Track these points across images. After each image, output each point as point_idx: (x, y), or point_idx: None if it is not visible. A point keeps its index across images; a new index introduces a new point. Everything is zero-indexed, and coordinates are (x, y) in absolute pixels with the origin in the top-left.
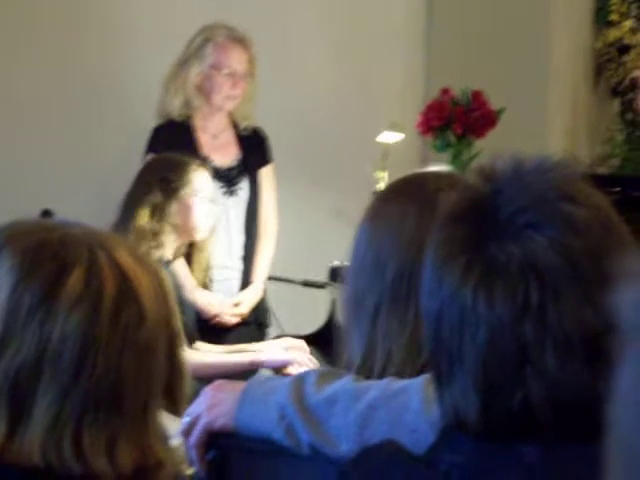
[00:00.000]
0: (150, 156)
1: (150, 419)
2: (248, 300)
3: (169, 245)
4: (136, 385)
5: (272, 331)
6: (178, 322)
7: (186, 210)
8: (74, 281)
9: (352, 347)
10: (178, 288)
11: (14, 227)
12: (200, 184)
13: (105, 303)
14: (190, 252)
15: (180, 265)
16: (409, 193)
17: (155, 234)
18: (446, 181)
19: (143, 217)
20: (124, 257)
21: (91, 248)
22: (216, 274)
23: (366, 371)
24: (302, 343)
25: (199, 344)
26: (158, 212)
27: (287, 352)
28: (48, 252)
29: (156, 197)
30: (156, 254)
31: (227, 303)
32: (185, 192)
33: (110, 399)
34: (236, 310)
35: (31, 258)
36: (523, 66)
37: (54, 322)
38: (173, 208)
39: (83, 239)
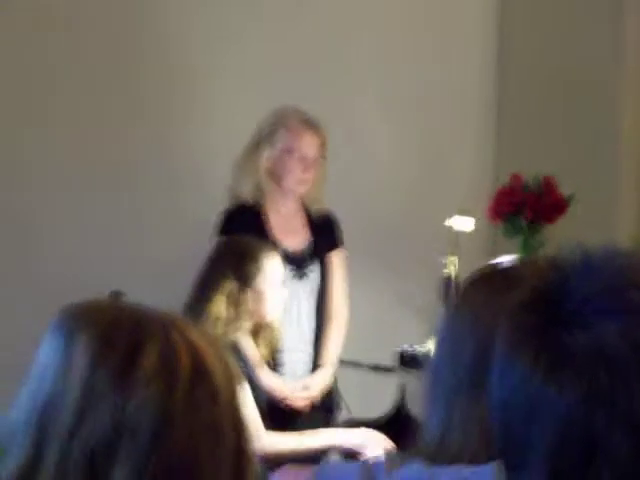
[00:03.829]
0: (220, 239)
1: None
2: (317, 384)
3: (241, 330)
4: (209, 467)
5: (340, 416)
6: (243, 406)
7: (260, 297)
8: (149, 358)
9: (429, 431)
10: (249, 370)
11: (86, 306)
12: (272, 270)
13: (180, 381)
14: (259, 332)
15: (248, 344)
16: (493, 282)
17: (228, 320)
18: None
19: (218, 304)
20: (196, 337)
21: (164, 327)
22: (286, 357)
23: (441, 456)
24: (376, 433)
25: (267, 434)
26: (233, 299)
27: (361, 436)
28: (122, 330)
29: (231, 284)
30: (228, 338)
31: (296, 386)
32: (258, 279)
33: (185, 478)
34: (305, 394)
35: (106, 336)
36: (594, 152)
37: (129, 400)
38: (248, 296)
39: (155, 318)
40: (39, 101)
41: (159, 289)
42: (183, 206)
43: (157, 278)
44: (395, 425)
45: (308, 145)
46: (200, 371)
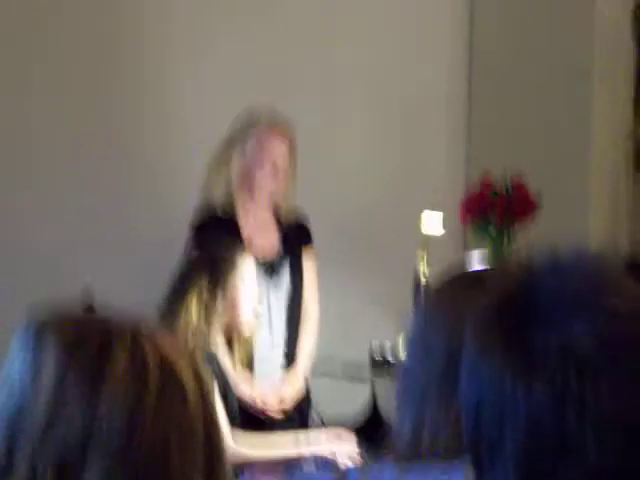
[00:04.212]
0: (192, 249)
1: None
2: (290, 393)
3: (215, 337)
4: (181, 470)
5: (313, 419)
6: (216, 411)
7: (232, 305)
8: (118, 364)
9: (401, 432)
10: (222, 379)
11: (54, 312)
12: (244, 278)
13: (150, 384)
14: (232, 333)
15: (223, 357)
16: (463, 284)
17: (201, 327)
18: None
19: (191, 308)
20: (164, 342)
21: (132, 332)
22: (259, 359)
23: (412, 457)
24: (349, 434)
25: (241, 435)
26: (206, 303)
27: (333, 443)
28: (91, 336)
29: (204, 288)
30: (201, 346)
31: (270, 397)
32: (231, 283)
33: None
34: (280, 406)
35: (74, 343)
36: (564, 150)
37: (99, 405)
38: (219, 305)
39: (124, 324)
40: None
41: (138, 290)
42: (163, 199)
43: (136, 278)
44: (368, 428)
45: (277, 154)
46: (169, 375)
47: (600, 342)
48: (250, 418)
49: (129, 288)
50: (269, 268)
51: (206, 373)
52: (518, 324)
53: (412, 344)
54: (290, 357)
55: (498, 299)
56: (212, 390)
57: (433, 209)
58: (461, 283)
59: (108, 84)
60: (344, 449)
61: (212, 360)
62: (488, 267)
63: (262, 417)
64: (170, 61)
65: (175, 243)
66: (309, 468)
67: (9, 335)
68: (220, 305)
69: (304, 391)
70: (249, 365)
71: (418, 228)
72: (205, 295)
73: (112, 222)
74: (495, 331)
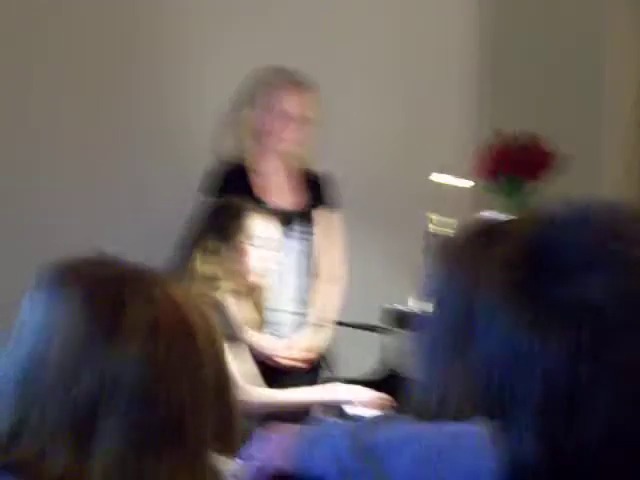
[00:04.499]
0: (204, 199)
1: (206, 456)
2: (300, 343)
3: (224, 288)
4: (194, 419)
5: (325, 375)
6: (227, 362)
7: (240, 255)
8: (132, 315)
9: (416, 389)
10: (232, 328)
11: (69, 263)
12: (254, 229)
13: (162, 335)
14: (244, 293)
15: (232, 306)
16: (479, 237)
17: (210, 278)
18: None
19: (198, 262)
20: (178, 294)
21: (147, 284)
22: (269, 316)
23: (426, 413)
24: (366, 389)
25: (253, 388)
26: (212, 258)
27: (351, 392)
28: (105, 287)
29: (210, 243)
30: (210, 296)
31: (280, 345)
32: (239, 238)
33: (171, 431)
34: (288, 353)
35: (89, 294)
36: (578, 109)
37: (114, 355)
38: (227, 254)
39: (138, 275)
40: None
41: (150, 244)
42: (172, 160)
43: (148, 232)
44: (383, 384)
45: (290, 103)
46: (182, 327)
47: (616, 294)
48: (261, 371)
49: (144, 252)
50: (280, 218)
51: (219, 325)
52: (533, 278)
53: (427, 300)
54: (301, 310)
55: (513, 253)
56: (223, 342)
57: (445, 170)
58: (476, 237)
59: (130, 28)
60: (360, 399)
61: (220, 309)
62: (503, 219)
63: (271, 367)
64: (191, 34)
65: (189, 208)
66: (319, 415)
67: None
68: (227, 253)
69: (320, 347)
70: (261, 317)
71: (432, 187)
72: (211, 242)
73: (124, 186)
74: (511, 283)
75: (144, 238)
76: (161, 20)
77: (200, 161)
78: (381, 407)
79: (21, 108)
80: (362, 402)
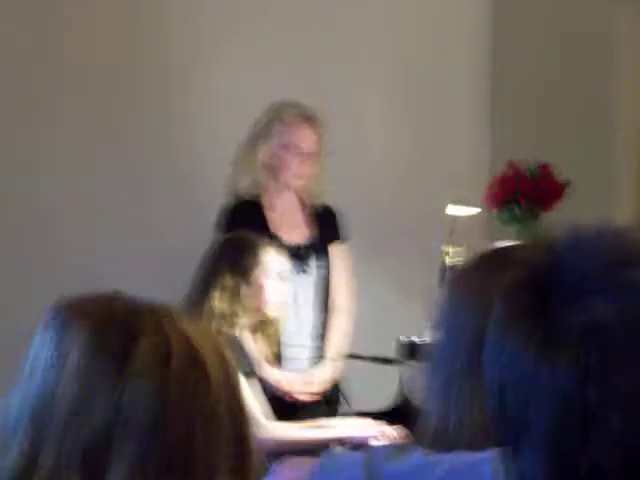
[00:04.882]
0: (219, 235)
1: None
2: (318, 378)
3: (241, 324)
4: (206, 455)
5: (342, 409)
6: (243, 397)
7: (257, 291)
8: (142, 349)
9: (429, 418)
10: (248, 363)
11: (80, 299)
12: (270, 264)
13: (173, 370)
14: (260, 327)
15: (248, 340)
16: (493, 263)
17: (228, 315)
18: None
19: (215, 299)
20: (188, 327)
21: (157, 318)
22: (287, 352)
23: (439, 441)
24: (380, 424)
25: (270, 423)
26: (230, 295)
27: (365, 428)
28: (116, 322)
29: (228, 280)
30: (227, 332)
31: (297, 380)
32: (255, 273)
33: (182, 468)
34: (306, 388)
35: (99, 329)
36: (590, 138)
37: (124, 391)
38: (244, 290)
39: (149, 309)
40: (45, 95)
41: (165, 281)
42: (187, 199)
43: (163, 270)
44: (398, 416)
45: (304, 139)
46: (193, 361)
47: (625, 320)
48: (278, 405)
49: (158, 289)
50: (297, 260)
51: (233, 360)
52: (542, 302)
53: (439, 329)
54: (320, 351)
55: (522, 277)
56: (238, 376)
57: (458, 199)
58: (487, 263)
59: (139, 77)
60: (376, 434)
61: (237, 345)
62: (514, 244)
63: (288, 402)
64: (197, 53)
65: (205, 244)
66: (337, 449)
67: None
68: (245, 289)
69: (333, 379)
70: (276, 351)
71: (444, 217)
72: (229, 279)
73: (139, 223)
74: (519, 308)
75: (158, 275)
76: (168, 39)
77: (214, 197)
78: (395, 440)
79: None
80: (376, 437)
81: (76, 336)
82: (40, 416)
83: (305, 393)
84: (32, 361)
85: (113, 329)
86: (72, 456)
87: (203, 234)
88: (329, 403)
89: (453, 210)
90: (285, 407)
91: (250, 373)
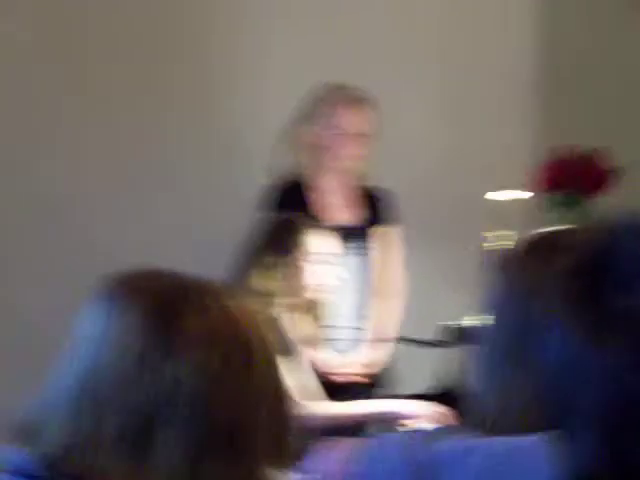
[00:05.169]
0: (262, 215)
1: (262, 471)
2: (357, 360)
3: (279, 304)
4: (249, 433)
5: (384, 391)
6: (282, 376)
7: (297, 272)
8: (188, 326)
9: (474, 403)
10: (286, 343)
11: (127, 275)
12: (311, 245)
13: (217, 347)
14: (301, 308)
15: (286, 322)
16: (540, 248)
17: (266, 294)
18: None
19: (255, 277)
20: (234, 306)
21: (204, 295)
22: (329, 333)
23: (483, 427)
24: (431, 404)
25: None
26: (269, 273)
27: (415, 404)
28: (164, 298)
29: (268, 260)
30: (265, 312)
31: (334, 363)
32: (296, 255)
33: (226, 445)
34: (343, 370)
35: (147, 305)
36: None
37: (168, 366)
38: (284, 270)
39: (196, 286)
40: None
41: (211, 258)
42: (230, 181)
43: (204, 250)
44: (441, 399)
45: (349, 120)
46: (237, 339)
47: None
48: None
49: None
50: (339, 235)
51: (274, 338)
52: (593, 287)
53: (488, 310)
54: (360, 326)
55: (576, 262)
56: (276, 354)
57: (502, 186)
58: (537, 248)
59: (175, 76)
60: (425, 412)
61: (275, 324)
62: (564, 229)
63: (329, 383)
64: (241, 43)
65: (244, 224)
66: (375, 430)
67: (65, 319)
68: (285, 270)
69: (384, 362)
70: (318, 333)
71: (488, 203)
72: (269, 259)
73: (183, 210)
74: (572, 293)
75: (201, 254)
76: (212, 31)
77: (257, 176)
78: (441, 421)
79: (56, 116)
80: (421, 416)
81: (122, 315)
82: (85, 393)
83: (342, 375)
84: (79, 339)
85: (159, 308)
86: (117, 434)
87: (243, 214)
88: (374, 386)
89: (495, 195)
90: (326, 388)
91: (290, 352)
